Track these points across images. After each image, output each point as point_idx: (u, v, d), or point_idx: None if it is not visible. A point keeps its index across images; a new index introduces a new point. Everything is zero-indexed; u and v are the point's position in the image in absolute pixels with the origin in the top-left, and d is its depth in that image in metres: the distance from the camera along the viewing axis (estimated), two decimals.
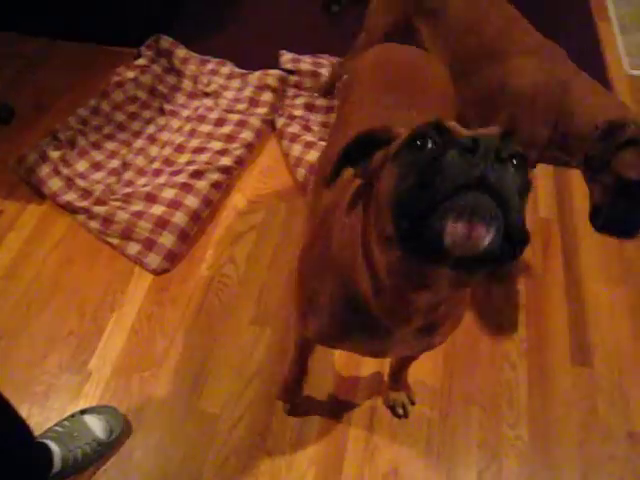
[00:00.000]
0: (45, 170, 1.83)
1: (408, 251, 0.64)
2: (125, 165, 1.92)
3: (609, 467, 1.42)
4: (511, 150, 0.61)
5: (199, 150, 1.93)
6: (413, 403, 1.47)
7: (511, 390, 1.53)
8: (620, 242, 1.88)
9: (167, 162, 1.91)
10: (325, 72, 2.22)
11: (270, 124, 2.08)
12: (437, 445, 1.42)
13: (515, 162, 0.62)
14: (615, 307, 1.72)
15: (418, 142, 0.64)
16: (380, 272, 0.75)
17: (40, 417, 1.41)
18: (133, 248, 1.70)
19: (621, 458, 1.44)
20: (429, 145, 0.64)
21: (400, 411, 1.45)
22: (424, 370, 1.53)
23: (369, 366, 1.53)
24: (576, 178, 2.07)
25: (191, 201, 1.76)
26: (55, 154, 1.87)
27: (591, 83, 1.53)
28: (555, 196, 2.00)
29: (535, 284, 1.75)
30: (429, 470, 1.38)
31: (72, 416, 1.37)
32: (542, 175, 2.07)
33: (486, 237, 0.58)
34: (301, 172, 1.86)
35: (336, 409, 1.46)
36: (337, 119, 1.38)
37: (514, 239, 0.60)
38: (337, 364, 1.53)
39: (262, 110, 2.08)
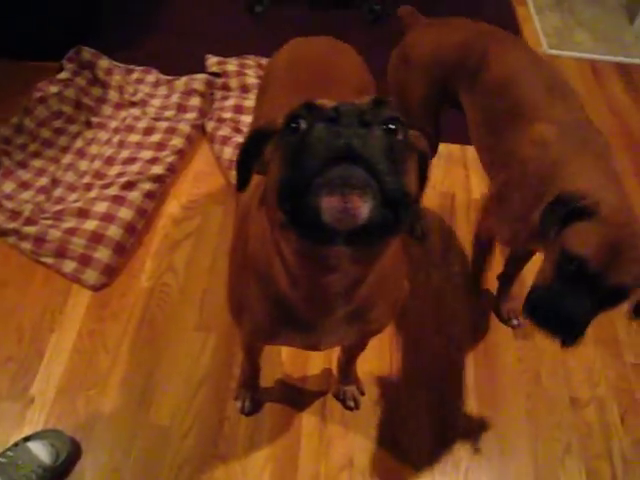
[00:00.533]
0: None
1: (298, 234, 0.64)
2: (54, 182, 1.87)
3: (556, 434, 1.47)
4: (383, 116, 0.61)
5: (129, 161, 1.90)
6: (363, 394, 1.48)
7: (458, 369, 1.56)
8: None
9: (97, 175, 1.87)
10: (251, 72, 2.21)
11: (200, 129, 2.06)
12: (390, 432, 1.44)
13: (392, 127, 0.62)
14: None
15: (293, 124, 0.64)
16: (289, 261, 0.75)
17: None
18: (69, 266, 1.66)
19: (566, 424, 1.49)
20: (302, 125, 0.63)
21: (351, 403, 1.46)
22: (371, 360, 1.55)
23: (317, 362, 1.54)
24: None
25: (125, 213, 1.73)
26: None
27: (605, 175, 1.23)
28: (486, 177, 2.04)
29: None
30: (384, 458, 1.40)
31: (15, 445, 1.32)
32: (473, 158, 2.11)
33: (363, 206, 0.57)
34: (234, 174, 1.84)
35: (287, 407, 1.46)
36: (253, 120, 1.37)
37: (395, 203, 0.59)
38: (285, 362, 1.53)
39: (191, 115, 2.06)
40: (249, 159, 0.77)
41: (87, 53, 2.22)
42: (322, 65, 1.31)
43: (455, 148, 2.14)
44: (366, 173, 0.56)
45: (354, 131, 0.57)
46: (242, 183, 0.81)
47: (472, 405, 1.50)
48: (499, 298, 1.67)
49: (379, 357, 1.56)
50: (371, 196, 0.57)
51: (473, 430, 1.46)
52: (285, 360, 1.54)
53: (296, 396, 1.48)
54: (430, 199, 1.95)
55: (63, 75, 2.16)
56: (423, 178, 0.76)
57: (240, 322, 1.03)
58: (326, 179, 0.57)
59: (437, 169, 2.06)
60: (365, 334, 1.00)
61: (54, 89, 2.09)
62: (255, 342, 1.22)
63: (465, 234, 1.86)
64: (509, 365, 1.58)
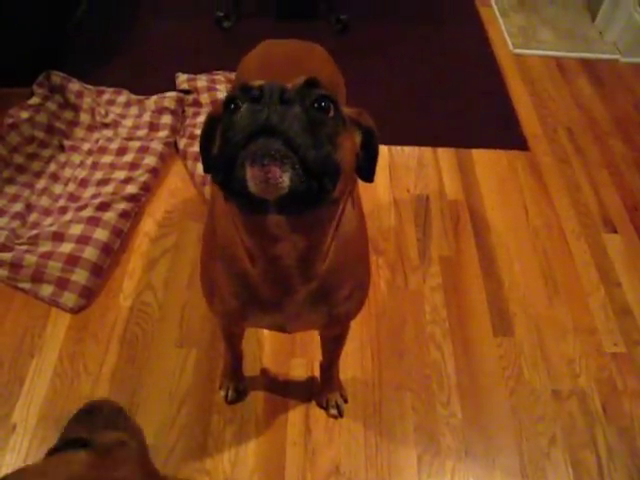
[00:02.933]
0: None
1: (235, 204, 0.72)
2: (29, 207, 1.86)
3: (540, 427, 1.48)
4: (314, 95, 0.68)
5: (103, 182, 1.90)
6: (346, 401, 1.48)
7: (439, 370, 1.57)
8: (525, 212, 1.98)
9: (72, 198, 1.87)
10: (222, 88, 2.23)
11: (173, 146, 2.07)
12: (375, 437, 1.44)
13: (323, 104, 0.68)
14: (528, 274, 1.80)
15: (232, 106, 0.69)
16: (242, 236, 0.81)
17: None
18: (46, 290, 1.65)
19: (550, 417, 1.50)
20: (238, 105, 0.68)
21: (334, 411, 1.46)
22: (354, 367, 1.56)
23: (300, 370, 1.54)
24: (477, 157, 2.16)
25: (100, 234, 1.73)
26: None
27: None
28: (460, 178, 2.08)
29: (450, 264, 1.80)
30: (370, 463, 1.40)
31: None
32: (445, 158, 2.14)
33: (282, 176, 0.63)
34: (208, 190, 1.86)
35: (270, 417, 1.46)
36: None
37: (318, 173, 0.65)
38: (268, 370, 1.54)
39: (163, 133, 2.06)
40: (209, 143, 0.82)
41: (57, 77, 2.22)
42: (293, 63, 1.33)
43: (427, 151, 2.16)
44: (284, 145, 0.62)
45: (274, 108, 0.63)
46: (207, 165, 0.87)
47: (455, 405, 1.50)
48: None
49: (361, 363, 1.57)
50: (290, 166, 0.63)
51: (458, 429, 1.46)
52: (267, 366, 1.55)
53: (279, 406, 1.48)
54: (404, 202, 1.97)
55: (34, 100, 2.15)
56: (372, 152, 0.82)
57: (212, 305, 1.08)
58: (248, 152, 0.63)
59: (409, 172, 2.08)
60: (334, 318, 1.02)
61: (25, 115, 2.08)
62: (229, 325, 1.25)
63: (440, 235, 1.88)
64: (490, 362, 1.59)
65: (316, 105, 0.67)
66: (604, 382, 1.57)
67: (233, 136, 0.64)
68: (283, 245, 0.77)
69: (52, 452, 0.62)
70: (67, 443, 0.61)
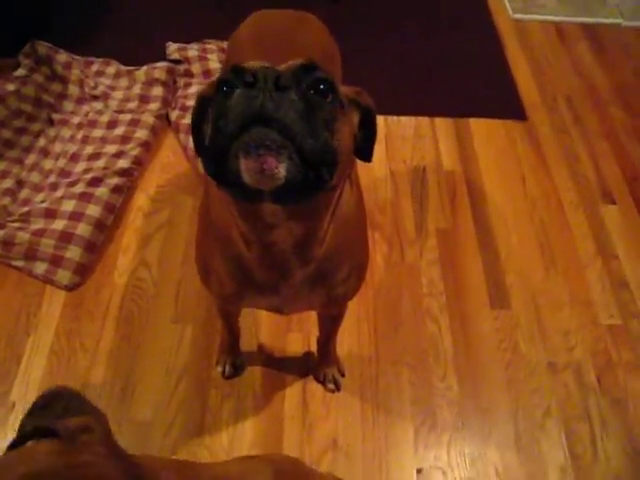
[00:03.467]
0: None
1: (229, 193, 0.69)
2: (20, 183, 1.84)
3: (535, 399, 1.49)
4: (311, 78, 0.64)
5: (94, 156, 1.87)
6: (343, 375, 1.49)
7: (436, 344, 1.57)
8: (523, 182, 1.96)
9: (63, 174, 1.84)
10: (213, 57, 2.18)
11: (164, 119, 2.03)
12: (372, 410, 1.45)
13: (321, 88, 0.65)
14: (525, 246, 1.79)
15: (224, 88, 0.65)
16: (238, 222, 0.79)
17: None
18: (40, 267, 1.64)
19: (545, 389, 1.51)
20: (231, 88, 0.65)
21: (331, 386, 1.47)
22: (350, 341, 1.56)
23: (296, 345, 1.55)
24: (475, 127, 2.13)
25: (93, 210, 1.71)
26: None
27: None
28: (457, 148, 2.05)
29: (447, 237, 1.79)
30: (367, 436, 1.41)
31: None
32: (442, 128, 2.11)
33: (279, 167, 0.60)
34: (201, 165, 1.83)
35: (268, 392, 1.47)
36: None
37: (315, 163, 0.62)
38: (264, 344, 1.54)
39: (154, 106, 2.02)
40: (200, 124, 0.79)
41: (43, 47, 2.16)
42: (286, 35, 1.30)
43: (423, 120, 2.13)
44: (280, 135, 0.60)
45: (269, 95, 0.60)
46: (199, 147, 0.83)
47: (452, 378, 1.51)
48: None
49: (358, 337, 1.57)
50: (286, 156, 0.60)
51: (454, 402, 1.47)
52: (264, 342, 1.55)
53: (276, 381, 1.49)
54: (400, 174, 1.94)
55: (20, 72, 2.10)
56: (371, 132, 0.79)
57: (208, 284, 1.07)
58: (242, 142, 0.60)
59: (406, 143, 2.05)
60: (332, 299, 1.01)
61: (12, 87, 2.03)
62: (225, 305, 1.25)
63: (437, 207, 1.86)
64: (486, 335, 1.60)
65: (313, 89, 0.64)
66: (599, 354, 1.58)
67: (225, 125, 0.61)
68: (279, 232, 0.76)
69: (12, 446, 0.61)
70: (30, 434, 0.60)
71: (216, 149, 0.63)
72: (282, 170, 0.60)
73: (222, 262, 0.94)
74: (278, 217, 0.73)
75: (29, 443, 0.60)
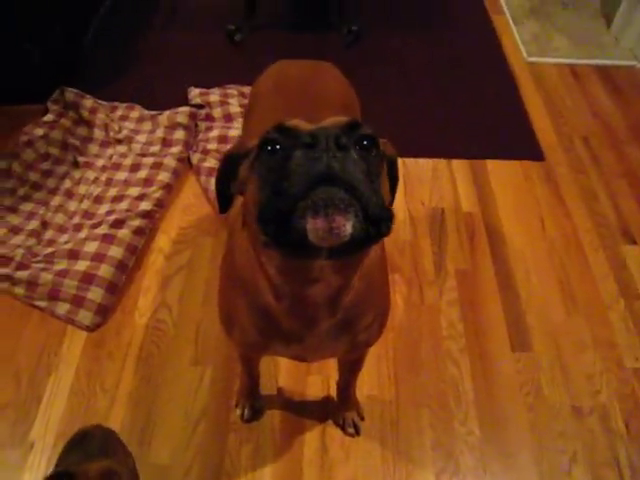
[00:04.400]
0: None
1: (283, 252, 0.68)
2: (45, 224, 1.88)
3: (560, 444, 1.46)
4: (356, 135, 0.65)
5: (118, 199, 1.91)
6: (362, 419, 1.47)
7: (457, 386, 1.55)
8: (542, 223, 1.95)
9: (87, 215, 1.88)
10: (234, 101, 2.23)
11: (186, 162, 2.08)
12: (392, 455, 1.43)
13: (365, 144, 0.66)
14: (545, 287, 1.78)
15: (269, 148, 0.67)
16: (272, 275, 0.78)
17: None
18: (62, 308, 1.66)
19: (570, 433, 1.48)
20: (277, 148, 0.67)
21: (351, 430, 1.45)
22: (370, 384, 1.54)
23: (316, 389, 1.53)
24: (492, 168, 2.14)
25: (115, 251, 1.73)
26: None
27: None
28: (474, 189, 2.06)
29: (466, 278, 1.78)
30: None
31: None
32: (459, 170, 2.13)
33: (346, 225, 0.61)
34: None
35: (287, 436, 1.45)
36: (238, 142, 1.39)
37: (376, 219, 0.63)
38: (284, 389, 1.53)
39: (176, 149, 2.07)
40: (226, 182, 0.81)
41: (71, 94, 2.24)
42: (307, 85, 1.33)
43: (441, 162, 2.15)
44: (346, 194, 0.60)
45: (333, 155, 0.61)
46: (222, 206, 0.86)
47: (473, 422, 1.48)
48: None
49: (378, 380, 1.55)
50: (353, 214, 0.61)
51: (476, 447, 1.44)
52: (284, 385, 1.54)
53: (295, 424, 1.47)
54: (419, 215, 1.95)
55: (48, 117, 2.17)
56: (394, 181, 0.81)
57: (231, 334, 1.07)
58: (310, 202, 0.60)
59: (424, 184, 2.07)
60: (355, 346, 1.01)
61: (40, 132, 2.11)
62: (246, 352, 1.24)
63: (456, 248, 1.86)
64: (508, 377, 1.57)
65: (359, 146, 0.66)
66: (626, 398, 1.54)
67: (290, 186, 0.61)
68: (318, 285, 0.75)
69: None
70: (54, 477, 0.60)
71: (278, 210, 0.62)
72: (349, 228, 0.61)
73: (247, 313, 0.94)
74: (325, 272, 0.72)
75: None
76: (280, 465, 1.40)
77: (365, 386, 1.53)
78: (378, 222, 0.64)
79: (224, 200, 0.85)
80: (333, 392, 1.49)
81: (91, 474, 0.59)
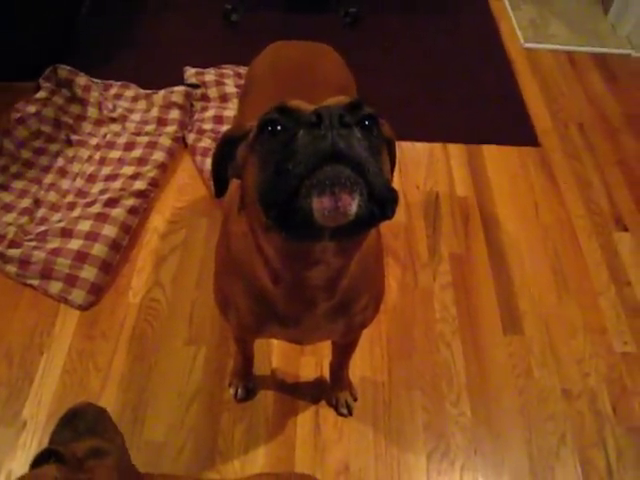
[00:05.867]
0: None
1: (286, 234, 0.66)
2: (37, 203, 1.86)
3: (550, 426, 1.48)
4: (359, 114, 0.64)
5: (111, 177, 1.89)
6: (355, 399, 1.48)
7: (449, 368, 1.56)
8: (536, 209, 1.96)
9: (80, 194, 1.87)
10: (230, 82, 2.21)
11: (181, 141, 2.06)
12: (384, 435, 1.44)
13: (367, 123, 0.65)
14: (538, 272, 1.79)
15: (269, 128, 0.66)
16: (272, 259, 0.77)
17: None
18: (55, 287, 1.65)
19: (559, 416, 1.50)
20: (278, 129, 0.66)
21: (344, 410, 1.46)
22: (363, 365, 1.55)
23: (309, 370, 1.54)
24: (488, 153, 2.14)
25: (109, 230, 1.72)
26: None
27: None
28: (470, 174, 2.06)
29: (460, 262, 1.79)
30: (379, 461, 1.40)
31: None
32: (455, 154, 2.13)
33: (352, 203, 0.60)
34: None
35: (280, 416, 1.46)
36: (234, 124, 1.38)
37: (380, 198, 0.62)
38: (277, 370, 1.54)
39: (171, 128, 2.05)
40: (222, 165, 0.80)
41: (64, 71, 2.21)
42: (303, 66, 1.32)
43: (437, 146, 2.15)
44: (353, 172, 0.60)
45: (337, 133, 0.60)
46: (219, 189, 0.85)
47: (465, 404, 1.50)
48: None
49: (371, 361, 1.56)
50: (359, 192, 0.60)
51: (467, 428, 1.46)
52: (277, 365, 1.55)
53: (288, 405, 1.48)
54: (414, 198, 1.96)
55: (41, 94, 2.14)
56: (391, 162, 0.80)
57: (226, 317, 1.07)
58: (315, 181, 0.59)
59: (420, 168, 2.07)
60: (350, 328, 1.01)
61: (32, 109, 2.08)
62: (242, 335, 1.25)
63: (450, 232, 1.87)
64: (499, 360, 1.59)
65: (360, 126, 0.65)
66: (614, 382, 1.56)
67: (295, 166, 0.60)
68: (319, 268, 0.75)
69: (33, 464, 0.62)
70: (41, 457, 0.60)
71: (282, 191, 0.61)
72: (354, 206, 0.60)
73: (243, 297, 0.94)
74: (327, 253, 0.72)
75: (44, 466, 0.61)
76: (273, 444, 1.41)
77: (358, 368, 1.54)
78: (383, 202, 0.63)
79: (220, 184, 0.83)
80: (326, 373, 1.50)
81: (79, 453, 0.59)
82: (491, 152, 2.15)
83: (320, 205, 0.59)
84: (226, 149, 0.78)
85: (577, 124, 2.29)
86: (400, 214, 1.90)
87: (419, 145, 2.15)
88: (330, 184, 0.59)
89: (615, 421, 1.49)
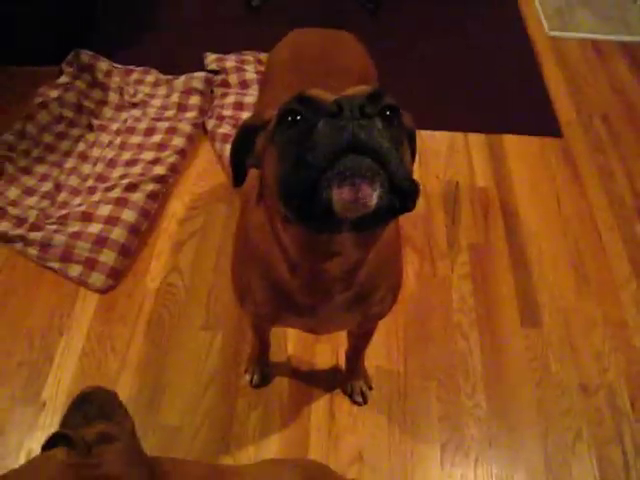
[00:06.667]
0: None
1: (306, 226, 0.66)
2: (58, 187, 1.88)
3: (566, 421, 1.46)
4: (380, 105, 0.63)
5: (131, 162, 1.90)
6: (371, 388, 1.48)
7: (465, 360, 1.55)
8: (557, 200, 1.93)
9: (100, 178, 1.88)
10: (250, 68, 2.21)
11: (201, 127, 2.06)
12: (398, 425, 1.44)
13: (388, 114, 0.64)
14: (558, 264, 1.77)
15: (289, 118, 0.65)
16: (290, 250, 0.77)
17: None
18: (75, 270, 1.67)
19: (577, 410, 1.48)
20: (298, 119, 0.65)
21: (359, 398, 1.46)
22: (379, 354, 1.55)
23: (325, 357, 1.54)
24: (509, 143, 2.11)
25: (128, 215, 1.74)
26: None
27: None
28: (490, 164, 2.04)
29: (479, 253, 1.78)
30: (393, 451, 1.40)
31: None
32: (476, 144, 2.10)
33: (373, 194, 0.59)
34: None
35: (295, 403, 1.46)
36: (254, 112, 1.38)
37: (402, 189, 0.62)
38: (292, 357, 1.54)
39: (191, 114, 2.05)
40: (241, 154, 0.80)
41: (86, 56, 2.22)
42: (324, 54, 1.31)
43: (458, 136, 2.12)
44: (373, 163, 0.59)
45: (358, 124, 0.59)
46: (237, 178, 0.84)
47: (481, 396, 1.49)
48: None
49: (386, 351, 1.56)
50: (379, 184, 0.59)
51: (482, 420, 1.45)
52: (293, 352, 1.55)
53: (304, 392, 1.48)
54: (434, 188, 1.94)
55: (63, 79, 2.16)
56: (412, 153, 0.79)
57: (243, 306, 1.07)
58: (336, 172, 0.59)
59: (440, 158, 2.05)
60: (367, 318, 1.01)
61: (55, 93, 2.10)
62: (258, 323, 1.26)
63: (470, 223, 1.85)
64: (517, 353, 1.57)
65: (381, 116, 0.63)
66: (633, 377, 1.54)
67: (315, 156, 0.59)
68: (337, 259, 0.75)
69: (44, 447, 0.63)
70: (52, 440, 0.61)
71: (302, 182, 0.61)
72: (375, 197, 0.60)
73: (260, 287, 0.94)
74: (345, 245, 0.71)
75: (54, 450, 0.61)
76: (288, 430, 1.42)
77: (374, 357, 1.53)
78: (403, 194, 0.62)
79: (239, 173, 0.83)
80: (342, 361, 1.50)
81: (88, 437, 0.60)
82: (512, 142, 2.12)
83: (340, 196, 0.59)
84: (245, 138, 0.78)
85: (601, 115, 2.25)
86: (419, 204, 1.87)
87: (439, 134, 2.13)
88: (350, 175, 0.58)
89: (633, 417, 1.47)
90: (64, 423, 0.70)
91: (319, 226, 0.65)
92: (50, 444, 0.61)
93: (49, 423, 1.43)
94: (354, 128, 0.59)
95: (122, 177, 1.86)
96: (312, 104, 0.65)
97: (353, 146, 0.59)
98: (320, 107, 0.62)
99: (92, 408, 0.70)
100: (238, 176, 0.83)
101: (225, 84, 2.19)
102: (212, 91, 2.19)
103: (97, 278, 1.65)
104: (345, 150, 0.59)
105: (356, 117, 0.59)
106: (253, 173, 0.84)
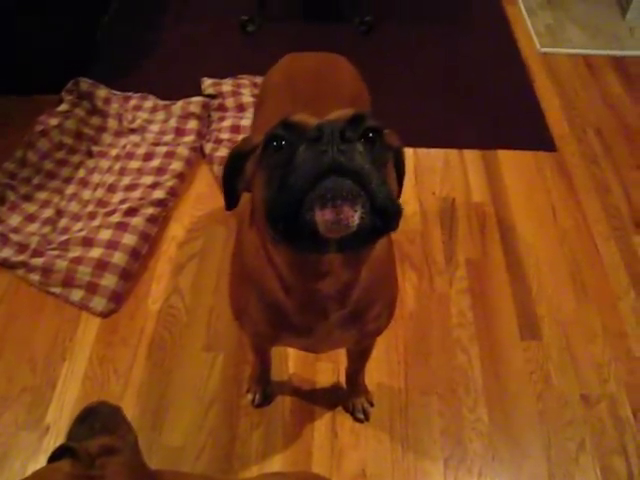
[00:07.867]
0: None
1: (292, 247, 0.69)
2: (59, 213, 1.90)
3: (569, 432, 1.46)
4: (362, 127, 0.66)
5: (131, 187, 1.93)
6: (372, 405, 1.48)
7: (466, 374, 1.56)
8: (553, 214, 1.95)
9: (101, 204, 1.91)
10: (246, 92, 2.25)
11: (199, 151, 2.09)
12: (401, 441, 1.44)
13: (371, 136, 0.66)
14: (556, 277, 1.78)
15: (274, 143, 0.68)
16: (283, 271, 0.79)
17: (1, 478, 1.38)
18: (76, 294, 1.69)
19: (579, 421, 1.48)
20: (283, 144, 0.67)
21: (360, 415, 1.46)
22: (380, 371, 1.56)
23: (326, 375, 1.55)
24: (504, 158, 2.14)
25: (129, 239, 1.76)
26: None
27: None
28: (486, 179, 2.06)
29: (476, 268, 1.79)
30: (396, 467, 1.40)
31: None
32: (471, 160, 2.13)
33: (354, 215, 0.61)
34: None
35: (297, 421, 1.47)
36: (249, 134, 1.40)
37: (384, 210, 0.63)
38: (293, 376, 1.55)
39: (189, 138, 2.09)
40: (233, 179, 0.82)
41: (85, 84, 2.26)
42: (317, 77, 1.34)
43: (452, 153, 2.15)
44: (353, 184, 0.61)
45: (338, 148, 0.61)
46: (229, 202, 0.87)
47: (482, 409, 1.49)
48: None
49: (387, 367, 1.57)
50: (360, 205, 0.61)
51: (484, 434, 1.45)
52: (294, 371, 1.56)
53: (305, 410, 1.49)
54: (430, 204, 1.96)
55: (63, 107, 2.20)
56: (400, 171, 0.81)
57: (242, 326, 1.09)
58: (317, 194, 0.61)
59: (435, 174, 2.07)
60: (364, 336, 1.03)
61: (55, 121, 2.13)
62: (258, 342, 1.27)
63: (467, 238, 1.87)
64: (517, 366, 1.58)
65: (364, 138, 0.66)
66: (634, 387, 1.55)
67: (296, 180, 0.62)
68: (328, 279, 0.76)
69: (50, 459, 0.64)
70: (58, 453, 0.63)
71: (286, 205, 0.63)
72: (356, 218, 0.61)
73: (257, 308, 0.96)
74: (334, 265, 0.74)
75: (59, 462, 0.63)
76: (290, 449, 1.42)
77: (375, 373, 1.54)
78: (386, 214, 0.64)
79: (231, 197, 0.85)
80: (343, 379, 1.51)
81: (92, 450, 0.62)
82: (507, 157, 2.14)
83: (322, 217, 0.61)
84: (236, 163, 0.80)
85: (595, 128, 2.28)
86: (416, 220, 1.91)
87: (434, 151, 2.15)
88: (331, 197, 0.60)
89: (636, 427, 1.47)
90: (69, 436, 0.72)
91: (305, 247, 0.68)
92: (56, 456, 0.63)
93: (53, 447, 1.40)
94: (334, 152, 0.61)
95: (122, 202, 1.88)
96: (295, 129, 0.67)
97: (333, 169, 0.61)
98: (302, 132, 0.64)
99: (96, 422, 0.72)
100: (230, 200, 0.86)
101: (222, 108, 2.22)
102: (209, 115, 2.22)
103: (99, 302, 1.67)
104: (325, 173, 0.61)
105: (336, 142, 0.61)
106: (247, 196, 0.87)
